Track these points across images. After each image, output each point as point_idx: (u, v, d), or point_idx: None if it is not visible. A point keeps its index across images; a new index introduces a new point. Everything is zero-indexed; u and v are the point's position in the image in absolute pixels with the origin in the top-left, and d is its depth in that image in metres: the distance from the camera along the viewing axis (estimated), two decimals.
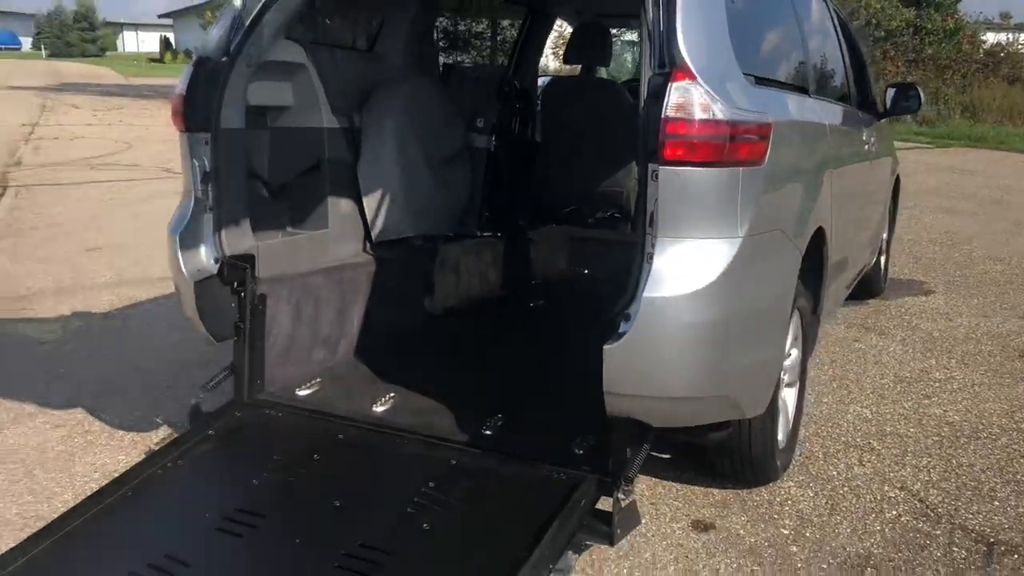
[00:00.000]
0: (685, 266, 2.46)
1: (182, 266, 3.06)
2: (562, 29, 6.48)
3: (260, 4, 3.15)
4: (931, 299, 6.12)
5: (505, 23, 5.44)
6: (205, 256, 3.11)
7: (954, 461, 3.58)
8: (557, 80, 5.56)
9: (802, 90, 3.47)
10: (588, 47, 4.99)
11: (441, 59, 4.73)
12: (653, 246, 2.45)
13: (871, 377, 4.53)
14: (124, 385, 4.19)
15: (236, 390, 3.23)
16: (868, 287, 5.88)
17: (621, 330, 2.45)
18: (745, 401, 2.77)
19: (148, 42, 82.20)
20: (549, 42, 5.89)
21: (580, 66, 5.09)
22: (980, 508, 3.20)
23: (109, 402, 3.99)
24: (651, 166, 2.42)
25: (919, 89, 5.28)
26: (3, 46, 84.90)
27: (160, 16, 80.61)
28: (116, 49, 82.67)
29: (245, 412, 3.20)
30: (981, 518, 3.13)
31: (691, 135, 2.41)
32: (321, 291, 3.53)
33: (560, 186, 5.09)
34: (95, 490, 2.78)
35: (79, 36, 75.00)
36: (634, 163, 2.50)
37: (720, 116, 2.42)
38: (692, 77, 2.41)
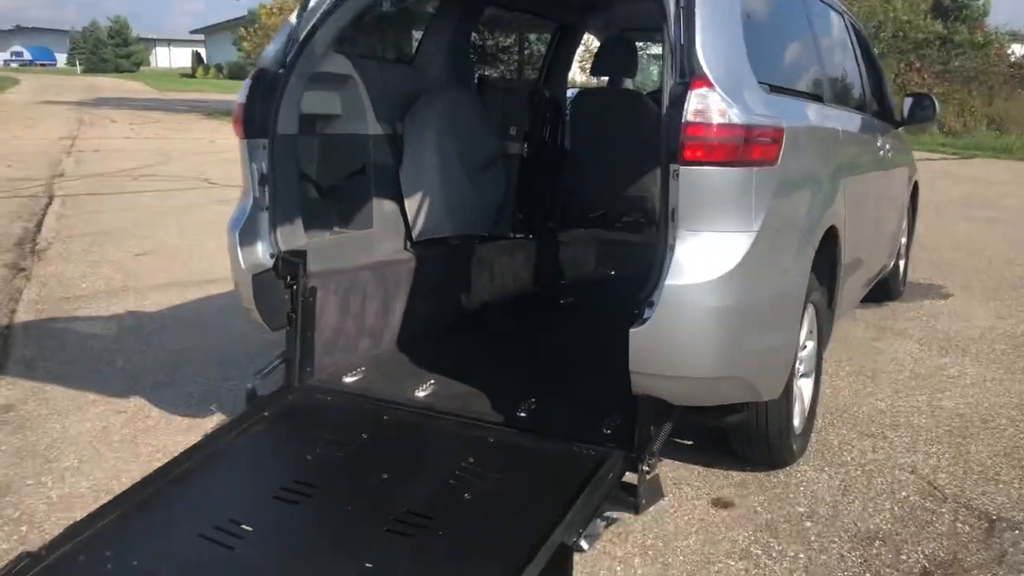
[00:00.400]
0: (704, 256, 2.70)
1: (241, 260, 3.34)
2: (589, 43, 6.74)
3: (313, 21, 3.42)
4: (949, 302, 6.29)
5: (535, 37, 5.69)
6: (261, 252, 3.39)
7: (963, 448, 3.77)
8: (586, 91, 5.82)
9: (817, 98, 3.70)
10: (614, 60, 5.25)
11: (477, 71, 4.99)
12: (675, 238, 2.69)
13: (887, 373, 4.72)
14: (178, 376, 4.48)
15: (287, 376, 3.49)
16: (887, 290, 6.06)
17: (646, 315, 2.69)
18: (760, 384, 2.99)
19: (180, 58, 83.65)
20: (577, 55, 6.13)
21: (607, 78, 5.34)
22: (985, 489, 3.39)
23: (165, 392, 4.27)
24: (672, 166, 2.66)
25: (934, 99, 5.48)
26: (39, 61, 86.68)
27: (192, 32, 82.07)
28: (149, 64, 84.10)
29: (296, 396, 3.46)
30: (986, 498, 3.32)
31: (709, 137, 2.65)
32: (366, 286, 3.79)
33: (589, 192, 5.33)
34: (164, 463, 3.05)
35: (113, 52, 76.45)
36: (658, 169, 2.73)
37: (735, 120, 2.66)
38: (710, 85, 2.65)
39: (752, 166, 2.73)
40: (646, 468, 2.79)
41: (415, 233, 4.12)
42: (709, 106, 2.64)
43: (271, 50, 3.43)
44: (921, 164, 9.07)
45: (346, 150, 3.85)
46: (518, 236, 4.80)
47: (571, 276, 5.16)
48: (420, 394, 3.44)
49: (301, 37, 3.42)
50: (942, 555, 2.93)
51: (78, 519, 2.71)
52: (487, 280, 4.50)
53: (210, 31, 73.86)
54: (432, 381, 3.53)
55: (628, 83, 5.61)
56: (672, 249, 2.70)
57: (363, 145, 3.91)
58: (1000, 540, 3.03)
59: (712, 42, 2.73)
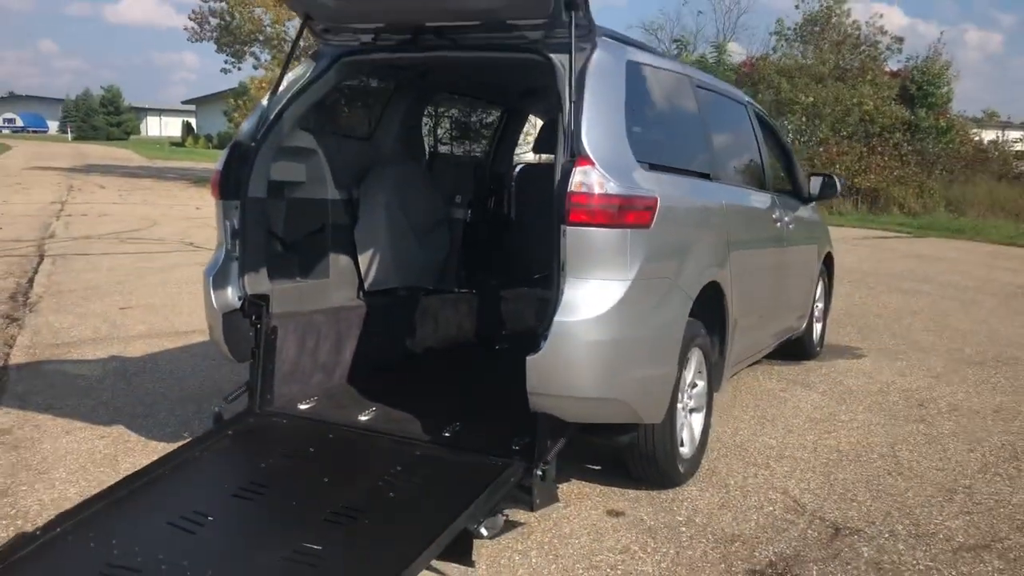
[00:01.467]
0: (586, 299, 3.35)
1: (213, 301, 3.97)
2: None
3: (282, 103, 4.12)
4: (860, 361, 6.95)
5: (485, 117, 6.42)
6: (231, 294, 4.02)
7: (832, 476, 4.38)
8: (528, 167, 6.53)
9: (704, 175, 4.40)
10: (554, 139, 5.96)
11: (429, 147, 5.69)
12: (564, 284, 3.34)
13: (785, 417, 5.34)
14: (155, 410, 5.04)
15: (249, 402, 4.09)
16: (803, 350, 6.72)
17: (540, 346, 3.33)
18: (640, 407, 3.61)
19: (171, 127, 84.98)
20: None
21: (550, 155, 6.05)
22: (840, 506, 4.00)
23: (143, 422, 4.83)
24: (562, 227, 3.33)
25: (835, 178, 6.24)
26: (31, 128, 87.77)
27: (183, 102, 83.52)
28: (140, 133, 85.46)
29: (256, 419, 4.05)
30: (838, 513, 3.93)
31: (590, 205, 3.32)
32: (321, 327, 4.42)
33: (531, 255, 5.99)
34: (137, 469, 3.62)
35: (105, 120, 77.76)
36: None
37: (612, 191, 3.34)
38: (591, 163, 3.34)
39: (627, 228, 3.41)
40: (540, 473, 3.39)
41: (367, 284, 4.76)
42: (590, 180, 3.32)
43: (246, 126, 4.11)
44: (872, 241, 9.82)
45: (308, 212, 4.51)
46: (462, 291, 5.44)
47: (511, 328, 5.79)
48: (363, 418, 4.04)
49: (271, 116, 4.10)
50: (788, 552, 3.52)
51: (66, 509, 3.29)
52: (431, 327, 5.14)
53: (201, 101, 75.28)
54: (374, 408, 4.13)
55: None
56: (562, 293, 3.35)
57: (323, 208, 4.58)
58: (840, 543, 3.62)
59: (596, 129, 3.43)
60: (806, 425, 5.21)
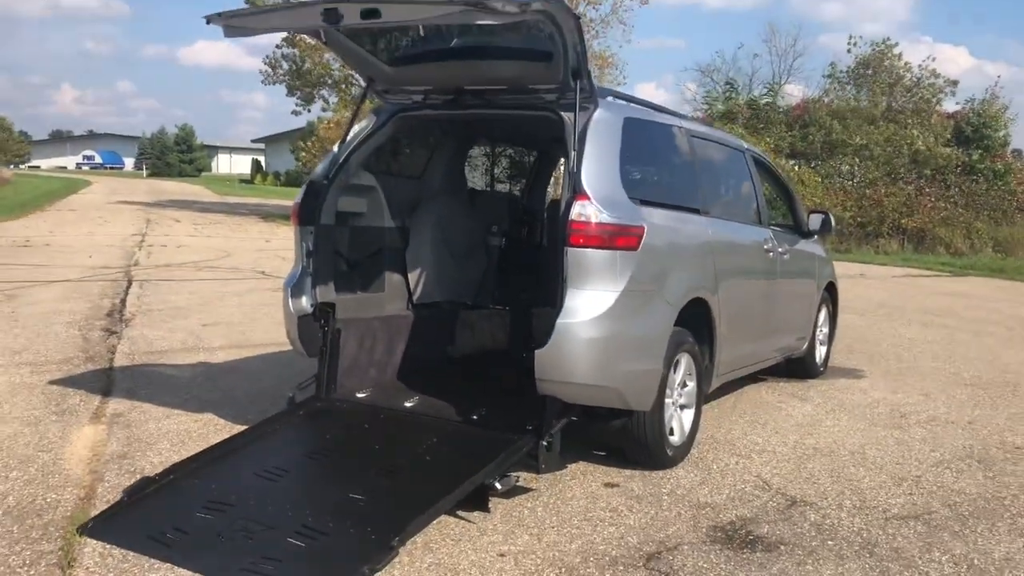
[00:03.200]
0: (583, 305, 4.24)
1: (291, 307, 4.96)
2: None
3: (349, 149, 5.12)
4: (860, 381, 7.67)
5: (519, 158, 7.39)
6: (305, 302, 5.00)
7: (803, 466, 5.16)
8: (555, 201, 7.45)
9: (694, 210, 5.27)
10: None
11: (470, 184, 6.67)
12: (565, 294, 4.25)
13: (776, 421, 6.13)
14: (237, 402, 6.03)
15: (317, 390, 5.04)
16: (805, 369, 7.48)
17: (546, 342, 4.23)
18: (629, 395, 4.47)
19: (240, 164, 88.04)
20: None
21: None
22: (802, 487, 4.78)
23: (228, 410, 5.81)
24: (564, 248, 4.24)
25: (829, 215, 7.08)
26: (108, 165, 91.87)
27: (253, 141, 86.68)
28: (210, 170, 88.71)
29: (322, 403, 5.00)
30: (798, 490, 4.71)
31: (588, 231, 4.23)
32: (377, 332, 5.38)
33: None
34: (234, 434, 4.58)
35: (178, 157, 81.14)
36: None
37: (604, 221, 4.25)
38: (588, 199, 4.25)
39: (617, 250, 4.31)
40: (545, 443, 4.27)
41: (415, 297, 5.72)
42: (587, 212, 4.23)
43: (319, 168, 5.13)
44: (910, 279, 10.40)
45: (368, 237, 5.49)
46: (496, 307, 6.36)
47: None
48: (407, 404, 4.98)
49: (340, 160, 5.11)
50: (748, 515, 4.32)
51: (177, 461, 4.27)
52: (468, 336, 6.07)
53: (270, 140, 78.25)
54: (417, 397, 5.06)
55: None
56: (564, 300, 4.25)
57: (380, 234, 5.56)
58: (793, 510, 4.42)
59: (594, 172, 4.35)
60: (792, 428, 5.98)
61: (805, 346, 7.26)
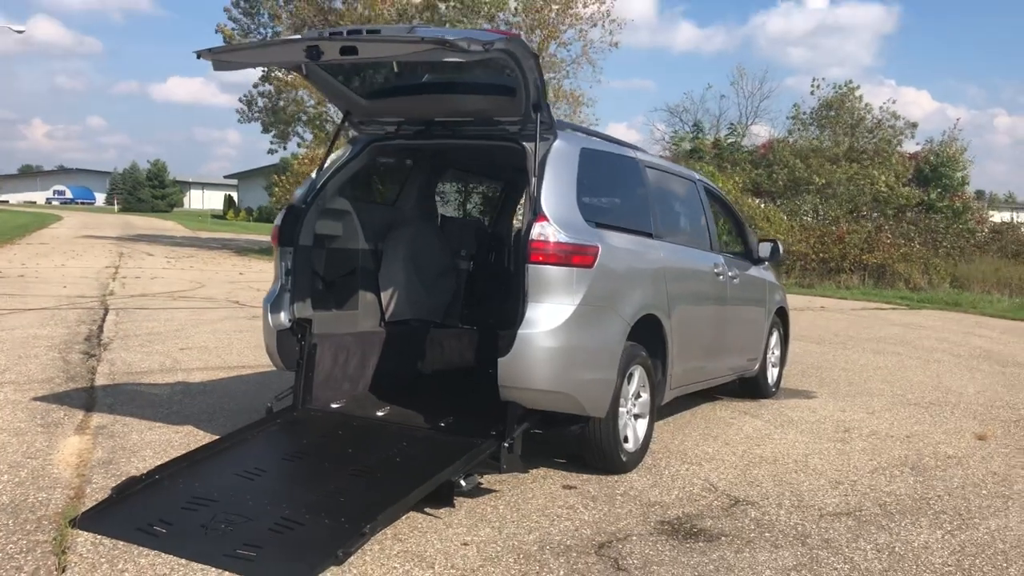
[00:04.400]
0: (542, 317, 4.62)
1: (270, 321, 5.29)
2: None
3: (326, 176, 5.49)
4: (810, 401, 8.08)
5: (487, 190, 7.80)
6: (283, 317, 5.33)
7: (748, 472, 5.54)
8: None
9: (647, 234, 5.68)
10: None
11: (441, 211, 7.06)
12: (525, 307, 4.62)
13: (727, 435, 6.51)
14: (216, 416, 6.32)
15: (293, 401, 5.36)
16: (758, 389, 7.89)
17: (508, 351, 4.59)
18: (585, 402, 4.83)
19: (213, 200, 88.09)
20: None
21: None
22: (745, 489, 5.15)
23: (208, 424, 6.10)
24: (525, 265, 4.62)
25: (778, 243, 7.53)
26: (79, 200, 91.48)
27: (226, 176, 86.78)
28: (183, 205, 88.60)
29: (298, 413, 5.32)
30: (741, 492, 5.08)
31: (546, 249, 4.62)
32: (350, 347, 5.71)
33: None
34: (211, 440, 4.89)
35: (150, 192, 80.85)
36: None
37: (562, 240, 4.64)
38: (547, 220, 4.64)
39: (573, 267, 4.69)
40: (507, 445, 4.62)
41: (387, 315, 6.07)
42: (546, 232, 4.62)
43: (299, 192, 5.49)
44: (868, 312, 10.78)
45: (343, 258, 5.85)
46: (464, 326, 6.72)
47: None
48: (379, 413, 5.31)
49: (318, 186, 5.48)
50: (694, 512, 4.69)
51: (162, 462, 4.57)
52: (438, 353, 6.42)
53: (243, 176, 78.45)
54: (388, 407, 5.40)
55: None
56: (524, 313, 4.62)
57: (354, 256, 5.92)
58: (735, 508, 4.79)
59: (552, 197, 4.75)
60: (741, 440, 6.37)
61: (757, 367, 7.67)
